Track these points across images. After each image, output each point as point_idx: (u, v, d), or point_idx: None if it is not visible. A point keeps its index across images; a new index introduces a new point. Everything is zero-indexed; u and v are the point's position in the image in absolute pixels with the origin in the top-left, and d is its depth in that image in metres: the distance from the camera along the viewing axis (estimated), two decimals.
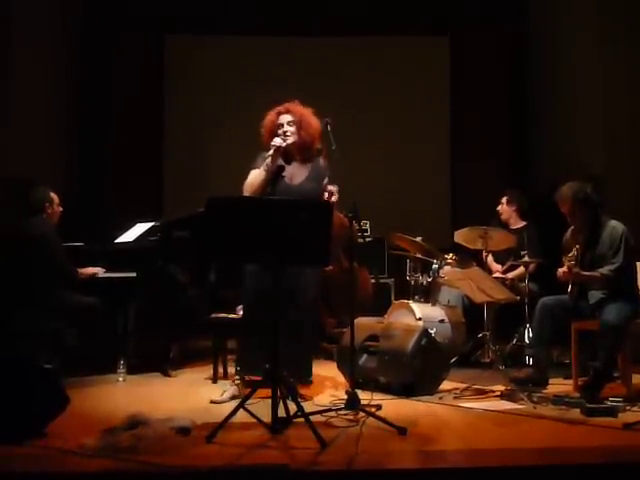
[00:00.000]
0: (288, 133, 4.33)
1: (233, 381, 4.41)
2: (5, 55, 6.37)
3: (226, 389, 4.35)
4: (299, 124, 4.35)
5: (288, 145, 4.31)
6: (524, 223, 6.14)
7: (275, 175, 4.27)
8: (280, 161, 4.33)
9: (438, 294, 5.71)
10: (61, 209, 5.15)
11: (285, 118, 4.37)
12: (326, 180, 4.45)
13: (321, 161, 4.45)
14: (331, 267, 5.71)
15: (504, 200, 6.18)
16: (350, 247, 4.42)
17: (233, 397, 4.24)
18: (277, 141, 4.25)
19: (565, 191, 4.54)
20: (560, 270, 4.48)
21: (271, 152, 4.22)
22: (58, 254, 4.94)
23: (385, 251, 6.95)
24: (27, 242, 4.91)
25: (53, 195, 5.11)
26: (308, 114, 4.40)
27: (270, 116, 4.43)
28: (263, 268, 4.08)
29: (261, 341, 4.08)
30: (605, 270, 4.38)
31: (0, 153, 6.19)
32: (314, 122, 4.38)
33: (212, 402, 4.22)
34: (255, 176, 4.28)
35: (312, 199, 4.19)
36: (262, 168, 4.24)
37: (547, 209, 5.36)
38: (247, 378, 4.34)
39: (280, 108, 4.42)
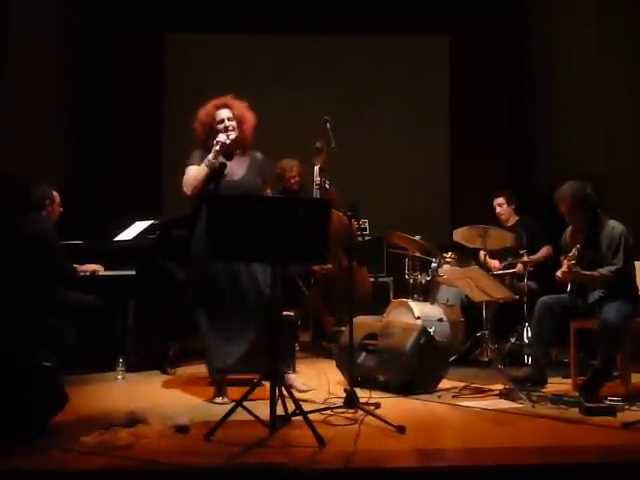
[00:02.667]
0: (230, 128, 4.30)
1: (213, 384, 4.34)
2: (5, 55, 6.36)
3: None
4: (240, 119, 4.34)
5: (231, 140, 4.29)
6: (517, 218, 6.18)
7: (218, 172, 4.26)
8: (221, 158, 4.30)
9: (437, 293, 5.72)
10: (61, 209, 5.15)
11: (225, 113, 4.33)
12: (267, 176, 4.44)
13: (258, 154, 4.43)
14: (330, 266, 5.73)
15: (502, 201, 6.19)
16: (349, 246, 4.42)
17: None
18: (222, 137, 4.23)
19: (564, 190, 4.53)
20: (559, 271, 4.48)
21: (217, 148, 4.19)
22: (56, 252, 4.94)
23: (384, 250, 6.96)
24: (26, 239, 4.90)
25: (55, 194, 5.11)
26: (245, 108, 4.39)
27: (207, 110, 4.36)
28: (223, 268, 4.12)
29: (232, 339, 4.10)
30: (605, 271, 4.37)
31: (0, 152, 6.18)
32: (250, 116, 4.38)
33: (214, 403, 4.20)
34: (197, 172, 4.22)
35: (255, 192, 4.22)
36: (204, 164, 4.21)
37: (547, 209, 5.36)
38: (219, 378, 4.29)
39: (217, 102, 4.38)
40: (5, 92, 6.32)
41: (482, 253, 5.74)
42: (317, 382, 4.72)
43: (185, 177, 4.25)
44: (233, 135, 4.30)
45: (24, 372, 3.50)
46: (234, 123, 4.32)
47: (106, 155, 8.30)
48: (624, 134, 6.41)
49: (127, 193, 8.00)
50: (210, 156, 4.20)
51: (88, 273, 5.18)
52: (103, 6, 8.24)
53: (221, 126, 4.30)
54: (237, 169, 4.35)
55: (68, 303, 4.92)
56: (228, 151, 4.34)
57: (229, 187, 4.23)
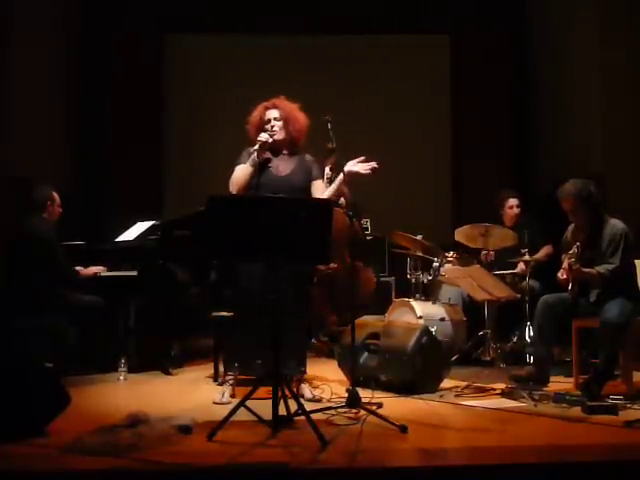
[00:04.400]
0: (275, 128, 4.34)
1: (225, 382, 4.37)
2: (4, 55, 6.37)
3: (225, 390, 4.32)
4: (286, 119, 4.37)
5: (276, 140, 4.33)
6: (520, 217, 6.17)
7: (261, 166, 4.29)
8: (267, 154, 4.35)
9: (439, 292, 5.71)
10: (61, 210, 5.15)
11: (272, 113, 4.38)
12: (316, 173, 4.45)
13: (307, 156, 4.46)
14: (335, 265, 5.72)
15: (517, 202, 6.17)
16: (354, 244, 4.42)
17: (233, 396, 4.23)
18: (263, 136, 4.26)
19: (568, 189, 4.51)
20: (560, 270, 4.47)
21: (256, 147, 4.22)
22: (57, 254, 4.94)
23: (386, 249, 6.94)
24: (28, 241, 4.91)
25: (55, 195, 5.12)
26: (295, 109, 4.42)
27: (257, 111, 4.44)
28: (255, 267, 4.12)
29: (254, 339, 4.10)
30: (602, 269, 4.36)
31: (0, 153, 6.19)
32: (301, 117, 4.41)
33: (215, 403, 4.21)
34: (241, 171, 4.27)
35: (299, 191, 4.25)
36: (248, 163, 4.25)
37: (548, 208, 5.36)
38: (240, 376, 4.34)
39: (267, 103, 4.43)
40: (5, 92, 6.33)
41: (486, 256, 5.74)
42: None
43: (232, 176, 4.31)
44: (279, 136, 4.34)
45: (26, 373, 3.50)
46: (280, 123, 4.36)
47: (106, 155, 8.30)
48: (624, 132, 6.40)
49: (128, 193, 7.99)
50: (253, 155, 4.24)
51: (91, 275, 5.18)
52: (103, 6, 8.23)
53: (267, 126, 4.35)
54: (284, 167, 4.39)
55: (70, 304, 4.92)
56: (276, 148, 4.38)
57: (274, 181, 4.28)
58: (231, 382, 4.34)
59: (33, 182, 5.34)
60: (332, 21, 8.29)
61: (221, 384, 4.49)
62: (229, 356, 4.48)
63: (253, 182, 4.25)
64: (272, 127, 4.34)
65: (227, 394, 4.26)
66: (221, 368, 5.07)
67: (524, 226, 5.94)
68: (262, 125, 4.38)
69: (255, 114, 4.45)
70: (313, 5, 8.27)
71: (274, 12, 8.28)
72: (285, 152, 4.43)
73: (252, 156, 4.24)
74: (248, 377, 4.36)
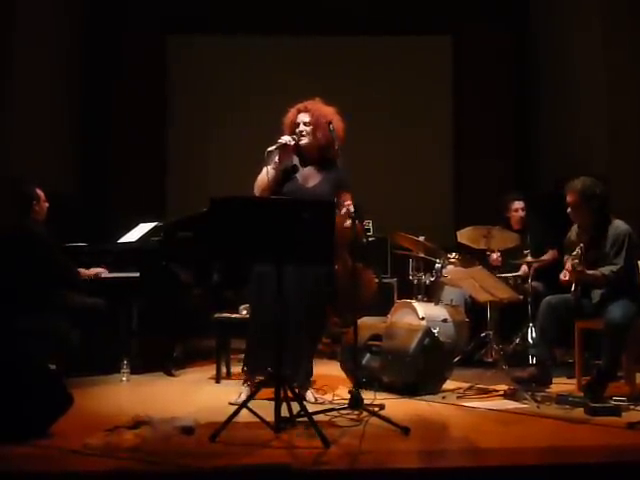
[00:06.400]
0: (304, 133, 4.28)
1: (245, 382, 4.32)
2: (8, 55, 6.38)
3: (243, 390, 4.26)
4: (315, 125, 4.28)
5: (305, 146, 4.27)
6: (526, 220, 6.16)
7: (286, 174, 4.23)
8: (295, 160, 4.29)
9: (441, 293, 5.70)
10: (47, 204, 5.10)
11: (303, 117, 4.31)
12: (344, 183, 4.31)
13: (338, 162, 4.33)
14: (337, 267, 5.70)
15: (523, 205, 6.16)
16: (354, 247, 4.41)
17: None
18: (285, 138, 4.19)
19: (575, 184, 4.49)
20: (563, 272, 4.47)
21: (274, 147, 4.15)
22: (58, 255, 4.94)
23: (388, 250, 6.93)
24: (28, 244, 4.90)
25: (39, 192, 5.05)
26: (326, 114, 4.30)
27: (291, 113, 4.37)
28: (270, 269, 4.09)
29: (268, 342, 4.09)
30: (606, 270, 4.35)
31: (3, 153, 6.19)
32: (334, 122, 4.28)
33: (230, 404, 4.14)
34: (264, 174, 4.20)
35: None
36: (271, 166, 4.16)
37: (550, 208, 5.35)
38: (256, 379, 4.28)
39: (300, 106, 4.35)
40: (8, 93, 6.33)
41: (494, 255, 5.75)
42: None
43: (257, 178, 4.26)
44: (305, 140, 4.28)
45: (28, 374, 3.51)
46: (308, 129, 4.28)
47: (109, 156, 8.31)
48: (628, 132, 6.39)
49: (131, 194, 8.00)
50: (275, 158, 4.16)
51: (92, 276, 5.19)
52: (106, 7, 8.24)
53: (297, 130, 4.29)
54: (312, 176, 4.34)
55: (72, 305, 4.92)
56: (305, 154, 4.33)
57: (298, 191, 4.21)
58: (249, 383, 4.28)
59: (19, 181, 5.30)
60: (334, 22, 8.29)
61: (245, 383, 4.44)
62: (244, 360, 4.39)
63: (277, 190, 4.18)
64: (301, 132, 4.27)
65: (244, 395, 4.21)
66: (223, 369, 5.10)
67: (531, 229, 5.93)
68: (294, 128, 4.31)
69: (289, 115, 4.37)
70: (315, 6, 8.27)
71: (276, 13, 8.29)
72: (316, 160, 4.35)
73: (274, 158, 4.16)
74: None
